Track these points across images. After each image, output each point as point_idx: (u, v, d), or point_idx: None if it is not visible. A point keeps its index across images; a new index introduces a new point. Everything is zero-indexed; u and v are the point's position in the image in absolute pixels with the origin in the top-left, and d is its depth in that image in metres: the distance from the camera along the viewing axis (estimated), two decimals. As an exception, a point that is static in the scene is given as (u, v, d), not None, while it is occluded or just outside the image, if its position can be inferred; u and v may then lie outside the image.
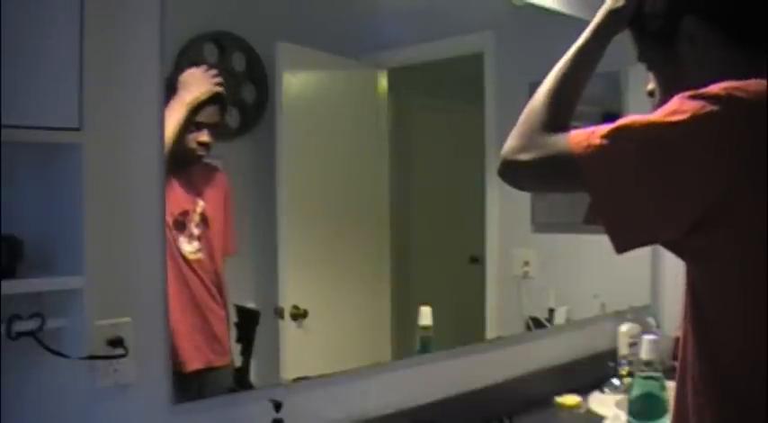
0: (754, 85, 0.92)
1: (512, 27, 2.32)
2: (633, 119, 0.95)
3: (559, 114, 1.05)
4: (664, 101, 1.05)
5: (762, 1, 0.99)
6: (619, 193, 0.94)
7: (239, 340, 1.66)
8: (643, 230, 0.96)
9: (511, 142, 1.05)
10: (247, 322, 1.68)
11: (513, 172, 1.06)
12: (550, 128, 1.03)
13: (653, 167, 0.92)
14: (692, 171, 0.90)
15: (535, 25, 2.31)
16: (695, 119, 0.90)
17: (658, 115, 0.93)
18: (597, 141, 0.94)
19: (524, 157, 1.02)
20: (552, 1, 2.30)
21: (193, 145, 1.58)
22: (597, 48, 1.11)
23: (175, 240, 1.54)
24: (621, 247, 0.95)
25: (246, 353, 1.66)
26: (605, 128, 0.95)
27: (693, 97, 0.92)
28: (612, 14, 1.10)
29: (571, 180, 0.99)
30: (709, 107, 0.90)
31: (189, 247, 1.57)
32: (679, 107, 0.92)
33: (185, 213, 1.58)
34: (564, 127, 1.02)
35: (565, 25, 2.20)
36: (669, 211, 0.93)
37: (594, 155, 0.94)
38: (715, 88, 0.92)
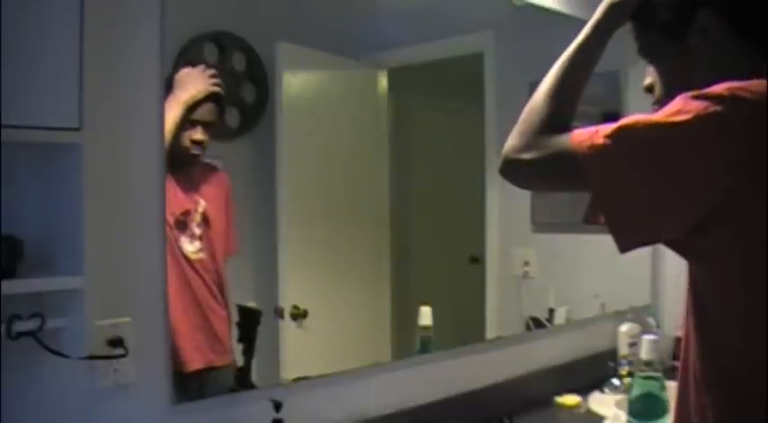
0: (756, 85, 0.92)
1: (512, 27, 2.32)
2: (636, 118, 0.95)
3: (561, 113, 1.05)
4: (664, 95, 1.05)
5: None
6: (622, 192, 0.94)
7: (241, 340, 1.66)
8: (646, 230, 0.96)
9: (512, 141, 1.05)
10: (249, 322, 1.68)
11: (515, 171, 1.05)
12: (552, 127, 1.02)
13: (656, 167, 0.92)
14: (695, 171, 0.90)
15: (535, 25, 2.31)
16: (698, 119, 0.90)
17: (661, 115, 0.93)
18: (600, 141, 0.94)
19: (526, 156, 1.02)
20: (552, 1, 2.30)
21: (187, 143, 1.57)
22: (598, 43, 1.10)
23: (177, 240, 1.54)
24: (625, 246, 0.95)
25: (248, 352, 1.66)
26: (608, 127, 0.95)
27: (697, 97, 0.92)
28: (614, 8, 1.10)
29: (573, 179, 0.99)
30: (713, 107, 0.90)
31: (191, 246, 1.57)
32: (682, 107, 0.91)
33: (187, 213, 1.58)
34: (565, 126, 1.02)
35: (565, 25, 2.19)
36: (672, 210, 0.93)
37: (597, 154, 0.94)
38: (718, 88, 0.92)
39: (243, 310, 1.67)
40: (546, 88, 1.08)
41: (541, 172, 1.03)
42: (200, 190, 1.63)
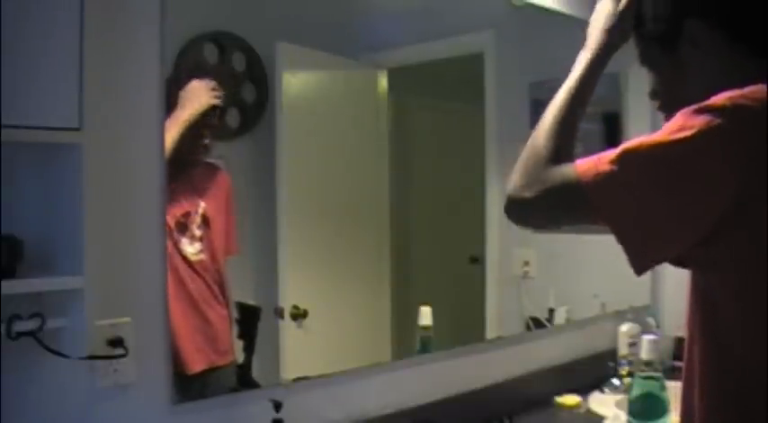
0: (757, 92, 0.92)
1: (512, 27, 2.32)
2: (640, 141, 0.94)
3: (562, 148, 1.04)
4: (665, 103, 1.07)
5: (764, 4, 0.99)
6: (632, 216, 0.94)
7: (241, 337, 1.66)
8: (659, 249, 0.96)
9: (515, 179, 1.02)
10: (249, 319, 1.68)
11: (521, 209, 1.03)
12: (554, 160, 1.01)
13: (662, 187, 0.91)
14: (701, 186, 0.90)
15: (535, 25, 2.31)
16: (701, 134, 0.89)
17: (664, 133, 0.92)
18: (605, 168, 0.93)
19: (530, 192, 1.00)
20: (552, 1, 2.30)
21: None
22: (592, 77, 1.11)
23: (177, 242, 1.54)
24: (641, 268, 0.95)
25: (249, 349, 1.67)
26: (611, 153, 0.94)
27: (698, 112, 0.91)
28: (606, 33, 1.11)
29: (582, 210, 0.97)
30: (715, 121, 0.89)
31: (191, 248, 1.57)
32: (684, 123, 0.91)
33: (187, 215, 1.58)
34: (568, 159, 1.01)
35: (565, 25, 2.20)
36: (682, 227, 0.93)
37: (603, 181, 0.93)
38: (720, 100, 0.91)
39: (242, 308, 1.67)
40: (546, 125, 1.06)
41: (548, 206, 1.01)
42: (201, 191, 1.63)
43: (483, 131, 2.28)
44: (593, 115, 2.49)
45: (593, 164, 0.95)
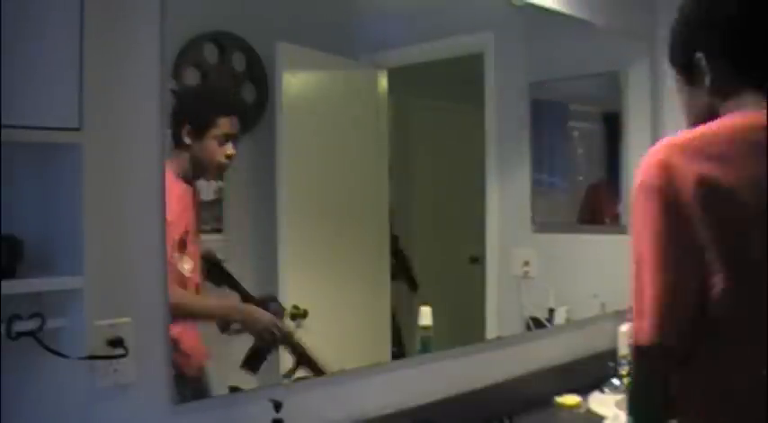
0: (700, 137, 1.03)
1: (512, 27, 2.32)
2: (635, 289, 1.05)
3: None
4: (688, 125, 1.18)
5: (763, 37, 1.08)
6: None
7: (218, 283, 1.68)
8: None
9: None
10: (215, 269, 1.68)
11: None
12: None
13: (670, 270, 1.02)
14: (688, 254, 1.02)
15: (535, 25, 2.30)
16: (658, 231, 1.02)
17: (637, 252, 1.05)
18: (640, 324, 1.03)
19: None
20: (552, 1, 2.30)
21: (223, 159, 1.61)
22: None
23: (177, 261, 1.52)
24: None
25: (235, 285, 1.69)
26: (635, 317, 1.04)
27: (643, 222, 1.04)
28: None
29: (656, 357, 1.05)
30: (646, 201, 1.03)
31: (187, 266, 1.57)
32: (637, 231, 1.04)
33: (186, 233, 1.57)
34: None
35: (565, 25, 2.20)
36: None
37: (652, 333, 1.02)
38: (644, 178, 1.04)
39: (207, 262, 1.67)
40: None
41: (641, 385, 1.10)
42: (192, 207, 1.63)
43: (483, 131, 2.28)
44: (594, 115, 2.49)
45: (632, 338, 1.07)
